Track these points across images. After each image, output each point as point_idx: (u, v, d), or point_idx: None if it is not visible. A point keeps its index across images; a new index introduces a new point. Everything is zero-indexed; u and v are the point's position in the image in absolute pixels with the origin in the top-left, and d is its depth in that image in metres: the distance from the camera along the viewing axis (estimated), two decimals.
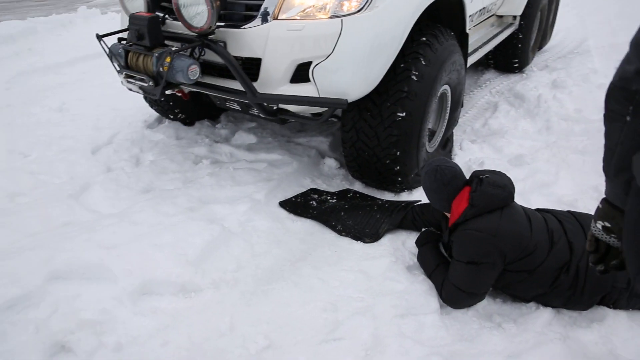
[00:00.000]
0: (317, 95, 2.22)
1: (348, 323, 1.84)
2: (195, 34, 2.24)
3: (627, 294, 1.91)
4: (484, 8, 3.90)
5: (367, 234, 2.36)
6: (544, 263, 1.89)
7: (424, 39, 2.48)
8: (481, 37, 4.07)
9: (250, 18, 2.23)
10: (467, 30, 2.96)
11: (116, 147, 3.27)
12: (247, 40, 2.23)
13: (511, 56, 4.99)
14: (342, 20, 2.10)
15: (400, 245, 2.29)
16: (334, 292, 2.03)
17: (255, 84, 2.29)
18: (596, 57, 5.36)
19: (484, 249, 1.87)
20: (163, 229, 2.23)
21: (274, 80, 2.26)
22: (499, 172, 2.08)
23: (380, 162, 2.54)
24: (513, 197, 2.00)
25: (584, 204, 2.63)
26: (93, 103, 4.13)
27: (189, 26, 2.22)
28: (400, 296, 1.97)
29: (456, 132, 3.68)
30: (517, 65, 5.06)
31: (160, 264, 2.03)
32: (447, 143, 3.09)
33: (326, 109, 2.35)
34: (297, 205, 2.62)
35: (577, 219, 2.05)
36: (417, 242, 2.26)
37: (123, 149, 3.26)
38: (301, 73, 2.23)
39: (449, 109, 2.98)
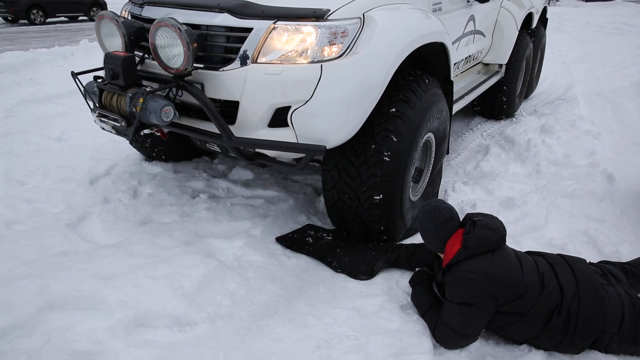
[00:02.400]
0: (296, 141, 2.18)
1: None
2: (172, 75, 2.22)
3: (618, 338, 1.94)
4: (469, 56, 3.99)
5: (362, 270, 2.39)
6: (535, 306, 1.93)
7: (409, 84, 2.48)
8: (467, 85, 4.11)
9: (229, 60, 2.20)
10: (452, 78, 2.97)
11: (114, 179, 3.31)
12: (225, 82, 2.20)
13: (497, 104, 5.06)
14: (321, 65, 2.08)
15: (394, 284, 2.32)
16: (328, 330, 2.04)
17: (232, 127, 2.25)
18: (582, 104, 5.57)
19: (476, 290, 1.91)
20: (159, 261, 2.24)
21: (251, 124, 2.23)
22: (491, 215, 2.15)
23: (362, 206, 2.45)
24: (505, 240, 2.06)
25: (574, 247, 2.69)
26: (91, 134, 4.19)
27: (165, 67, 2.21)
28: (393, 335, 1.98)
29: (449, 173, 3.78)
30: (502, 113, 5.14)
31: (155, 296, 2.03)
32: (432, 196, 3.07)
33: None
34: (293, 241, 2.65)
35: (567, 262, 2.10)
36: (411, 282, 2.29)
37: (121, 180, 3.30)
38: (280, 117, 2.20)
39: (432, 158, 2.94)
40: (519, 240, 2.72)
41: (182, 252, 2.34)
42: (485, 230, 2.00)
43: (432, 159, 2.95)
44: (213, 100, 2.26)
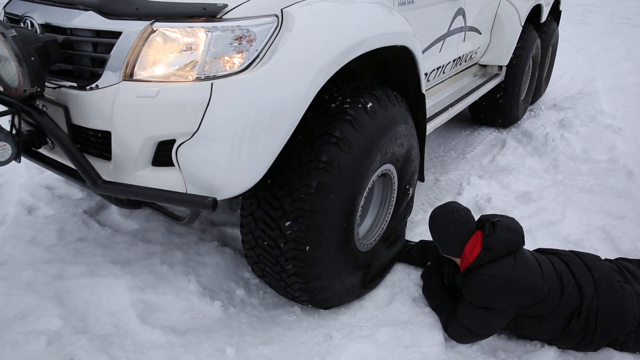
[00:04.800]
0: (183, 186, 1.58)
1: (351, 350, 1.85)
2: (15, 97, 1.65)
3: (635, 336, 1.91)
4: (459, 57, 3.42)
5: None
6: (557, 308, 1.89)
7: (356, 100, 1.86)
8: (456, 92, 3.51)
9: (97, 76, 1.63)
10: (424, 90, 2.30)
11: None
12: (91, 106, 1.63)
13: (497, 110, 4.40)
14: (212, 84, 1.48)
15: (406, 277, 2.31)
16: (340, 320, 2.05)
17: (109, 165, 1.68)
18: (603, 98, 5.45)
19: (497, 296, 1.86)
20: (174, 248, 2.28)
21: (128, 161, 1.63)
22: (508, 216, 2.09)
23: (281, 265, 1.85)
24: (524, 241, 2.00)
25: (590, 243, 2.66)
26: None
27: (5, 87, 1.67)
28: (404, 327, 1.98)
29: (464, 167, 3.74)
30: (504, 121, 4.52)
31: (170, 283, 2.07)
32: (394, 241, 2.37)
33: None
34: None
35: (582, 260, 2.06)
36: (423, 275, 2.28)
37: None
38: (165, 153, 1.60)
39: (394, 197, 2.27)
40: (534, 235, 2.69)
41: (196, 240, 2.38)
42: (507, 232, 1.94)
43: (393, 198, 2.27)
44: (84, 129, 1.69)
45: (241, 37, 1.52)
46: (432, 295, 2.15)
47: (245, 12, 1.53)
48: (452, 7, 3.00)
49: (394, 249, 2.36)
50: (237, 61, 1.51)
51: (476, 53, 3.84)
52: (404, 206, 2.36)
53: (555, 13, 5.46)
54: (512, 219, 2.05)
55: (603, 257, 2.19)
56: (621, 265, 2.14)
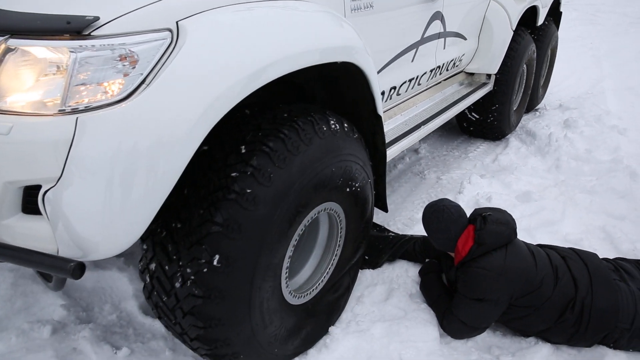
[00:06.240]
0: (53, 239, 1.26)
1: (347, 345, 1.89)
2: None
3: (628, 334, 1.93)
4: (438, 67, 3.07)
5: (367, 261, 2.40)
6: (550, 299, 1.93)
7: (281, 127, 1.53)
8: (435, 105, 3.18)
9: None
10: (380, 113, 1.97)
11: None
12: None
13: (486, 122, 4.06)
14: (77, 118, 1.16)
15: (404, 273, 2.34)
16: (338, 317, 2.08)
17: None
18: (610, 98, 5.43)
19: (490, 287, 1.91)
20: None
21: None
22: (500, 209, 2.14)
23: (177, 316, 1.51)
24: (516, 233, 2.06)
25: (590, 243, 2.66)
26: None
27: None
28: (400, 322, 2.01)
29: (467, 165, 3.76)
30: (494, 133, 4.19)
31: None
32: (336, 302, 2.01)
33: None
34: None
35: (579, 256, 2.09)
36: (421, 272, 2.31)
37: None
38: (35, 199, 1.28)
39: (339, 241, 1.94)
40: (533, 234, 2.71)
41: None
42: (497, 225, 1.99)
43: (340, 241, 1.94)
44: None
45: (120, 59, 1.19)
46: (429, 292, 2.18)
47: (124, 27, 1.19)
48: (426, 10, 2.64)
49: (342, 297, 2.04)
50: (114, 88, 1.19)
51: (460, 60, 3.47)
52: (355, 251, 2.03)
53: (555, 15, 5.13)
54: (504, 212, 2.09)
55: (601, 257, 2.20)
56: (618, 264, 2.16)
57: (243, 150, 1.45)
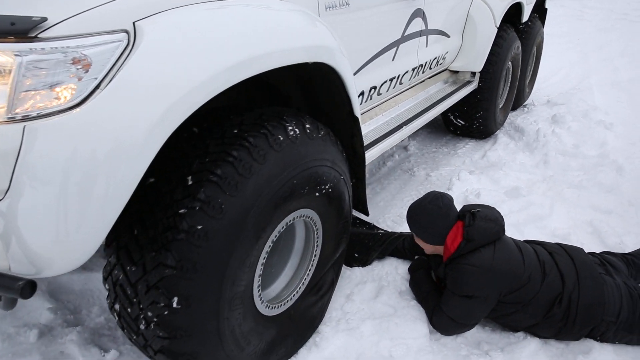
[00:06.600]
0: (4, 253, 1.19)
1: (336, 343, 1.89)
2: None
3: (614, 327, 1.95)
4: (420, 65, 3.01)
5: (357, 259, 2.41)
6: (538, 295, 1.95)
7: (250, 132, 1.43)
8: (417, 104, 3.12)
9: None
10: (357, 114, 1.90)
11: None
12: None
13: (472, 121, 4.02)
14: (24, 127, 1.09)
15: (393, 270, 2.35)
16: (327, 313, 2.08)
17: None
18: (597, 94, 5.49)
19: (478, 283, 1.92)
20: None
21: None
22: (488, 205, 2.15)
23: (141, 324, 1.44)
24: (504, 230, 2.07)
25: (577, 237, 2.69)
26: None
27: None
28: (390, 320, 2.02)
29: (456, 162, 3.78)
30: (480, 132, 4.14)
31: None
32: (320, 301, 1.96)
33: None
34: None
35: (566, 251, 2.11)
36: (410, 269, 2.32)
37: None
38: None
39: (316, 248, 1.88)
40: (522, 229, 2.73)
41: None
42: (486, 222, 2.00)
43: (317, 242, 1.87)
44: None
45: (73, 62, 1.12)
46: (418, 288, 2.19)
47: (76, 29, 1.11)
48: (406, 7, 2.59)
49: (326, 295, 1.99)
50: (67, 94, 1.12)
51: (444, 59, 3.42)
52: (333, 261, 1.97)
53: (541, 11, 5.14)
54: (492, 209, 2.10)
55: (587, 251, 2.23)
56: (603, 258, 2.18)
57: (190, 182, 1.34)
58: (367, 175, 3.42)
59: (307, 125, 1.60)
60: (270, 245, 1.60)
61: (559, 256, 2.07)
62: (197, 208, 1.32)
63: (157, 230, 1.34)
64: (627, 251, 2.47)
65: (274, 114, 1.55)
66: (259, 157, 1.40)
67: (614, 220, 2.92)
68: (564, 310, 1.94)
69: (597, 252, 2.34)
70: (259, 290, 1.62)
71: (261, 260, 1.58)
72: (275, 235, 1.61)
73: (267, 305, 1.69)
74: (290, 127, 1.53)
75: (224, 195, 1.34)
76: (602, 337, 1.98)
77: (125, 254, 1.39)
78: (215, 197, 1.33)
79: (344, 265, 2.38)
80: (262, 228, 1.47)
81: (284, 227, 1.65)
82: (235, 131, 1.43)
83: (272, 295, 1.80)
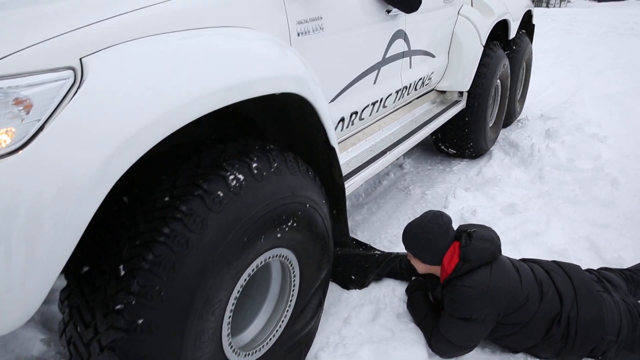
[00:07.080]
0: None
1: None
2: None
3: (615, 346, 1.93)
4: (404, 87, 2.92)
5: (353, 281, 2.39)
6: (536, 315, 1.92)
7: (190, 193, 1.29)
8: (403, 127, 3.04)
9: None
10: (333, 144, 1.81)
11: None
12: None
13: (460, 141, 3.94)
14: None
15: (391, 292, 2.33)
16: (321, 340, 2.05)
17: None
18: (589, 107, 5.52)
19: (476, 306, 1.89)
20: None
21: None
22: (484, 225, 2.15)
23: None
24: (500, 250, 2.05)
25: (575, 253, 2.68)
26: None
27: None
28: (388, 343, 1.99)
29: (451, 179, 3.78)
30: (470, 151, 4.05)
31: None
32: (307, 326, 1.88)
33: None
34: None
35: (563, 269, 2.10)
36: (407, 290, 2.30)
37: None
38: None
39: (293, 289, 1.78)
40: (518, 246, 2.72)
41: None
42: (482, 242, 1.99)
43: (293, 290, 1.78)
44: None
45: (14, 103, 1.03)
46: (416, 310, 2.16)
47: (15, 67, 1.03)
48: (385, 29, 2.50)
49: (313, 319, 1.89)
50: (6, 138, 1.02)
51: (430, 79, 3.35)
52: (313, 298, 1.86)
53: (528, 28, 5.14)
54: (488, 229, 2.10)
55: (585, 267, 2.22)
56: (601, 274, 2.17)
57: (137, 243, 1.23)
58: (362, 195, 3.46)
59: (254, 166, 1.42)
60: (244, 282, 1.51)
61: (556, 274, 2.05)
62: (147, 268, 1.22)
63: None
64: (625, 266, 2.46)
65: (212, 161, 1.38)
66: (214, 206, 1.29)
67: (610, 234, 2.91)
68: (563, 330, 1.92)
69: (595, 268, 2.33)
70: (228, 333, 1.52)
71: (230, 307, 1.49)
72: (242, 285, 1.51)
73: (237, 353, 1.59)
74: (254, 165, 1.41)
75: (173, 255, 1.24)
76: (604, 356, 1.96)
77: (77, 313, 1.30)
78: (167, 256, 1.23)
79: (340, 288, 2.37)
80: (214, 294, 1.36)
81: (250, 274, 1.54)
82: (189, 176, 1.33)
83: (247, 340, 1.71)
